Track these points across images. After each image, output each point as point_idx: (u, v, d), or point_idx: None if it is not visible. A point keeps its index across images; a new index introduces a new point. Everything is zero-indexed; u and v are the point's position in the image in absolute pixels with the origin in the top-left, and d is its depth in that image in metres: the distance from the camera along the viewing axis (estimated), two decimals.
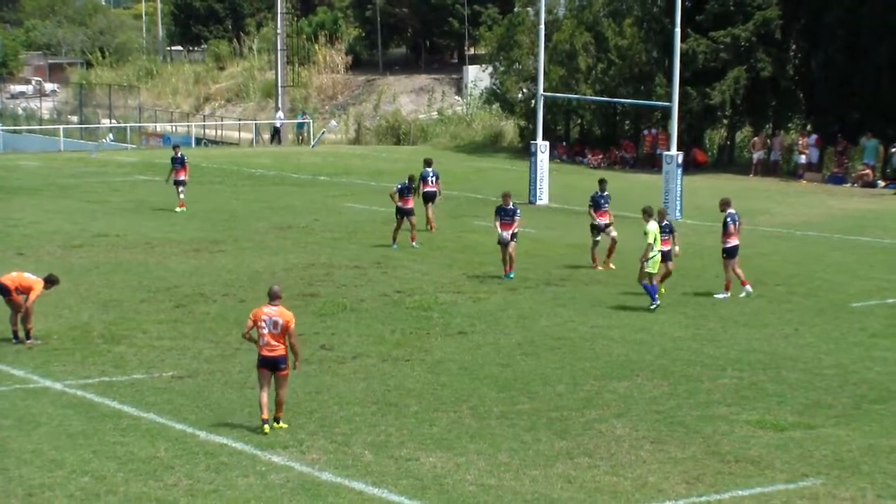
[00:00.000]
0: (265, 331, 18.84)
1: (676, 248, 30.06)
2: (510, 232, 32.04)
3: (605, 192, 34.69)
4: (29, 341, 24.76)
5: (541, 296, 30.41)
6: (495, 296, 30.17)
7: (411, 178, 38.28)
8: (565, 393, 21.65)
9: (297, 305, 28.66)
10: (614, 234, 33.81)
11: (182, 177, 45.83)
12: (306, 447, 18.50)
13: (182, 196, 45.60)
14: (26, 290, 24.76)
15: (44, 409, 20.45)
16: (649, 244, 28.23)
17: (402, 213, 37.48)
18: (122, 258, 35.23)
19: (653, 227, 28.46)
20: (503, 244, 32.15)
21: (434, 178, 41.38)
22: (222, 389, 21.71)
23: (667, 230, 29.46)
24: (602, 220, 34.19)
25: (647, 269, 28.30)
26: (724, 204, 30.85)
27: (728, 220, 30.33)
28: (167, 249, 36.68)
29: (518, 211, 32.71)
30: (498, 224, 32.24)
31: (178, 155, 46.31)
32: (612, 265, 33.76)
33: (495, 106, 77.41)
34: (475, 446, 18.61)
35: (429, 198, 41.22)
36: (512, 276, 32.03)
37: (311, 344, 25.02)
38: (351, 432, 19.24)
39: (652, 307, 28.20)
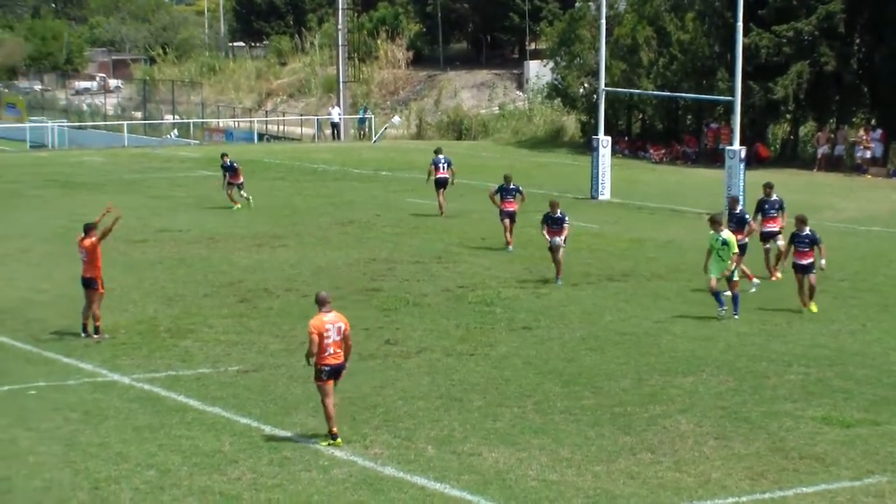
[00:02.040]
0: (331, 339, 18.27)
1: (823, 261, 27.80)
2: (561, 237, 30.98)
3: (773, 197, 32.12)
4: (97, 336, 24.99)
5: (604, 291, 30.33)
6: (558, 291, 30.11)
7: (507, 178, 36.47)
8: (629, 388, 21.59)
9: (360, 300, 28.82)
10: (781, 242, 31.12)
11: (239, 181, 45.05)
12: (369, 442, 18.55)
13: (244, 194, 45.09)
14: (98, 259, 25.21)
15: (111, 403, 20.64)
16: (735, 253, 26.92)
17: (505, 215, 35.96)
18: (186, 253, 35.47)
19: (731, 235, 27.25)
20: (553, 249, 31.06)
21: (445, 165, 42.99)
22: (287, 384, 21.79)
23: (806, 241, 27.71)
24: (772, 227, 31.79)
25: (720, 278, 27.02)
26: (734, 201, 30.86)
27: (746, 216, 30.33)
28: (230, 244, 36.88)
29: (566, 218, 31.21)
30: (545, 231, 31.44)
31: (227, 162, 45.21)
32: (779, 274, 31.22)
33: (556, 101, 77.21)
34: (538, 441, 18.59)
35: (441, 184, 43.04)
36: (560, 283, 30.97)
37: (375, 338, 25.10)
38: (414, 427, 19.27)
39: (722, 312, 27.08)
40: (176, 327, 26.21)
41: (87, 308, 25.24)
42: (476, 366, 23.13)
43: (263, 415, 19.89)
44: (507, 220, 35.88)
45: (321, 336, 18.16)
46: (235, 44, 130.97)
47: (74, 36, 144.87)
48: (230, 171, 45.04)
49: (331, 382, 18.37)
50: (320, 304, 18.47)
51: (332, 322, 18.31)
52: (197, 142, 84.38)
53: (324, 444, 18.32)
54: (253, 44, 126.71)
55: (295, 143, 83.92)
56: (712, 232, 27.10)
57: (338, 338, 18.31)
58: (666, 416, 19.91)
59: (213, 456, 17.86)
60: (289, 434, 18.83)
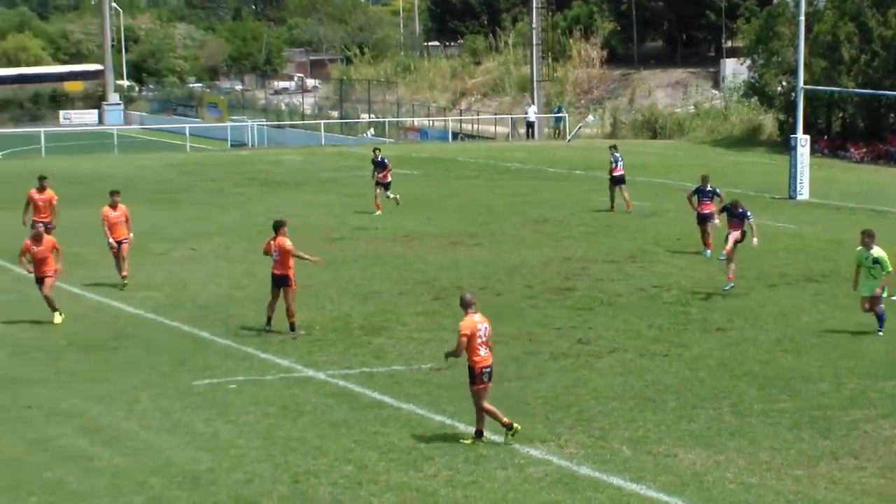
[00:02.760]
0: (482, 340, 18.20)
1: None
2: (735, 236, 29.41)
3: None
4: (293, 333, 25.38)
5: (801, 292, 29.78)
6: (754, 292, 29.65)
7: (704, 179, 34.75)
8: (828, 391, 21.15)
9: (553, 299, 28.80)
10: None
11: (387, 180, 44.11)
12: (564, 441, 18.50)
13: (389, 195, 43.90)
14: (291, 259, 25.61)
15: (307, 398, 20.94)
16: (889, 273, 25.06)
17: (700, 219, 34.61)
18: (381, 251, 35.82)
19: (882, 253, 25.26)
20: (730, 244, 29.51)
21: (622, 162, 43.66)
22: None
23: None
24: None
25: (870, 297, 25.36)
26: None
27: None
28: (425, 243, 37.14)
29: (748, 213, 29.67)
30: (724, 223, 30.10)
31: (379, 158, 44.37)
32: None
33: (753, 99, 76.17)
34: (735, 444, 18.33)
35: (619, 181, 43.66)
36: (730, 286, 29.56)
37: (568, 338, 25.03)
38: (608, 427, 19.16)
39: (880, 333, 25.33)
40: (370, 324, 26.48)
41: (273, 302, 25.71)
42: (670, 366, 22.91)
43: (457, 412, 19.93)
44: (702, 225, 34.55)
45: (474, 337, 18.10)
46: (430, 43, 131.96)
47: (273, 37, 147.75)
48: (380, 166, 44.24)
49: (490, 384, 18.34)
50: (467, 306, 18.39)
51: (480, 322, 18.28)
52: (392, 140, 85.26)
53: (509, 436, 18.32)
54: (447, 43, 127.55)
55: (489, 141, 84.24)
56: (860, 248, 25.41)
57: (486, 338, 18.28)
58: (868, 420, 19.45)
59: (410, 452, 17.98)
60: (485, 433, 18.80)
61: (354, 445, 18.35)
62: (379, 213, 43.31)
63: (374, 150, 45.94)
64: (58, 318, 26.90)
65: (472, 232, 39.24)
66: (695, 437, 18.63)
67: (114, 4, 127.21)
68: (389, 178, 44.39)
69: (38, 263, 26.89)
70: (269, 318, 25.79)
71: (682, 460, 17.60)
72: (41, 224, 32.42)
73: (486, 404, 18.32)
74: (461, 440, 18.48)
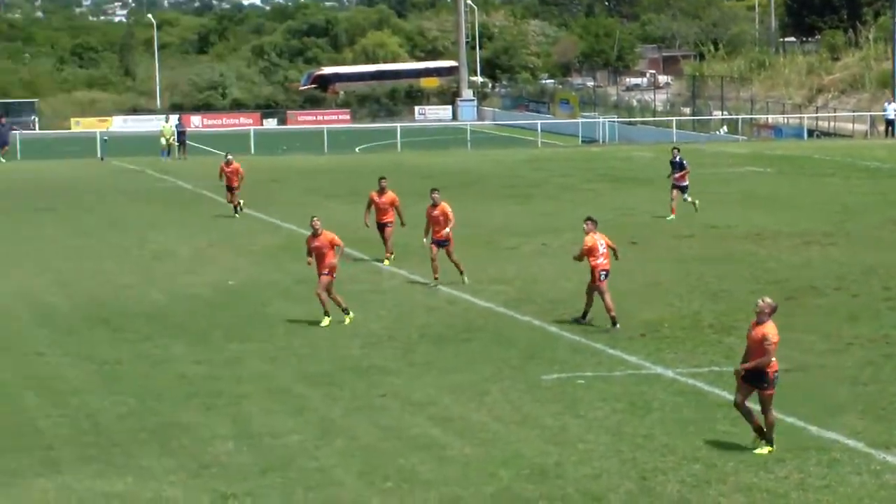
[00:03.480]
0: None
1: None
2: None
3: None
4: (615, 327, 25.51)
5: None
6: None
7: None
8: None
9: None
10: None
11: (684, 182, 42.27)
12: None
13: (687, 198, 42.07)
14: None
15: (655, 395, 20.82)
16: None
17: None
18: (732, 249, 35.32)
19: None
20: None
21: None
22: (834, 384, 21.29)
23: None
24: None
25: None
26: None
27: None
28: (777, 241, 36.44)
29: None
30: None
31: (678, 159, 42.47)
32: None
33: None
34: None
35: None
36: None
37: None
38: None
39: None
40: (720, 323, 26.15)
41: (602, 299, 25.68)
42: None
43: (809, 415, 19.44)
44: None
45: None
46: (786, 39, 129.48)
47: (626, 33, 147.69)
48: (678, 167, 42.36)
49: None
50: (773, 312, 17.77)
51: None
52: (745, 138, 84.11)
53: (756, 442, 17.76)
54: (804, 39, 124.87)
55: (846, 139, 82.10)
56: None
57: None
58: None
59: (760, 453, 17.66)
60: (836, 436, 18.35)
61: (702, 444, 18.14)
62: (672, 217, 41.44)
63: (672, 150, 44.13)
64: (325, 322, 26.48)
65: (826, 231, 38.28)
66: None
67: (469, 2, 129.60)
68: (687, 182, 42.45)
69: (318, 259, 26.41)
70: (614, 319, 25.72)
71: None
72: (383, 222, 33.40)
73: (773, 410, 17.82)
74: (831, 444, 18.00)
